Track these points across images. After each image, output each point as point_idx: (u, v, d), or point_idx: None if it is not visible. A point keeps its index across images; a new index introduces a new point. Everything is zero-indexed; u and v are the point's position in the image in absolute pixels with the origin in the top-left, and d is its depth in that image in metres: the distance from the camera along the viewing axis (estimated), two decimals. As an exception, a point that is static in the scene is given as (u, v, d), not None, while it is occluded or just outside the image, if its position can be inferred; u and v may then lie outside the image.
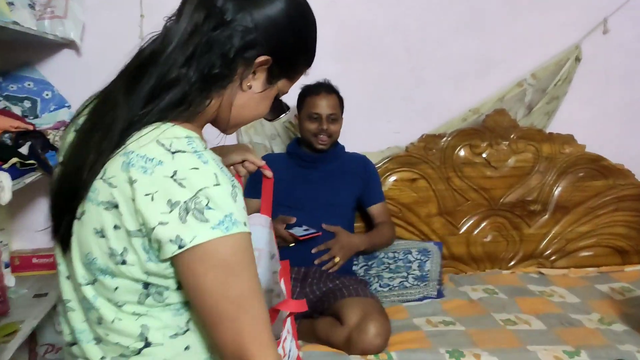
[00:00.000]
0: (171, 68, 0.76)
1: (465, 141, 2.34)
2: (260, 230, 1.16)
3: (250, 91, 0.83)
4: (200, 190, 0.69)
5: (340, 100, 2.14)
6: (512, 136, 2.34)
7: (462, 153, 2.34)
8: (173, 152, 0.71)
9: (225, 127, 0.87)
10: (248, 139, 2.38)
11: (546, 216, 2.39)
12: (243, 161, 1.12)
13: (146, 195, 0.69)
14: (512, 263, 2.39)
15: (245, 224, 0.72)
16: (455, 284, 2.19)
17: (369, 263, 2.18)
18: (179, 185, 0.69)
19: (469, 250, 2.37)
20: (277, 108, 0.93)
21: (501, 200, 2.37)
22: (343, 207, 2.10)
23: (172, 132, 0.74)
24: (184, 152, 0.71)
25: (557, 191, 2.38)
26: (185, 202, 0.68)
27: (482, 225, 2.37)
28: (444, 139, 2.33)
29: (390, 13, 2.38)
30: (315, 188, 2.09)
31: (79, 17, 2.15)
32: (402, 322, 1.83)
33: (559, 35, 2.45)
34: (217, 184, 0.70)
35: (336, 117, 2.09)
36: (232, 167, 1.12)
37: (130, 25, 2.23)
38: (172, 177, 0.69)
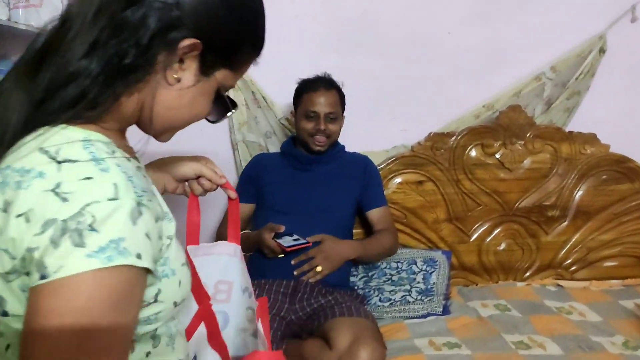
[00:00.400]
0: (70, 60, 0.60)
1: (476, 140, 2.15)
2: (228, 260, 1.00)
3: (178, 85, 0.67)
4: (87, 205, 0.54)
5: (341, 97, 1.95)
6: (528, 135, 2.15)
7: (473, 153, 2.15)
8: (60, 162, 0.57)
9: (150, 130, 0.71)
10: (241, 137, 2.22)
11: (565, 223, 2.19)
12: (198, 177, 0.95)
13: (18, 216, 0.55)
14: (528, 274, 2.20)
15: (139, 257, 0.55)
16: (464, 297, 2.01)
17: (370, 274, 2.01)
18: (60, 200, 0.54)
19: (480, 260, 2.19)
20: (221, 107, 0.77)
21: (516, 205, 2.18)
22: (340, 212, 1.92)
23: (64, 135, 0.60)
24: (75, 161, 0.57)
25: (577, 195, 2.19)
26: (64, 220, 0.53)
27: (495, 232, 2.18)
28: (454, 137, 2.14)
29: (395, 1, 2.19)
30: (310, 192, 1.91)
31: (56, 4, 2.00)
32: (401, 342, 1.65)
33: (581, 24, 2.25)
34: (113, 198, 0.55)
35: (335, 116, 1.91)
36: (185, 183, 0.95)
37: None
38: (53, 190, 0.55)
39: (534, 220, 2.19)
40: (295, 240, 1.74)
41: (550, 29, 2.25)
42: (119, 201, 0.55)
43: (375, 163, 2.07)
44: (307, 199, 1.88)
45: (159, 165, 0.94)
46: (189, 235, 1.01)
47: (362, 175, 1.98)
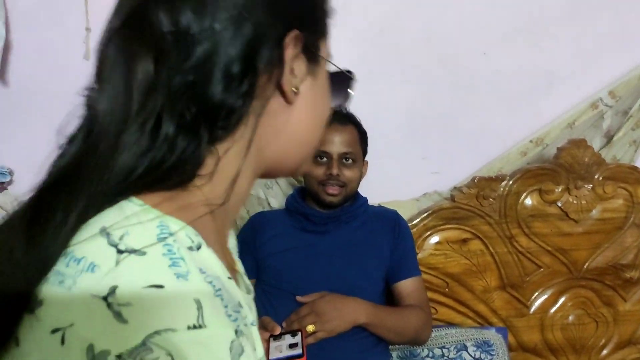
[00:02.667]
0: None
1: (532, 185, 1.72)
2: None
3: (300, 95, 0.51)
4: (156, 333, 0.36)
5: (362, 136, 1.50)
6: (596, 176, 1.73)
7: (529, 202, 1.72)
8: (121, 251, 0.38)
9: (282, 173, 0.57)
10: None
11: (648, 286, 1.77)
12: None
13: (53, 332, 0.36)
14: (605, 352, 1.77)
15: None
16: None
17: (409, 368, 1.53)
18: (114, 316, 0.36)
19: (544, 338, 1.75)
20: (337, 83, 0.59)
21: (585, 266, 1.75)
22: (368, 291, 1.43)
23: (134, 215, 0.42)
24: (140, 253, 0.39)
25: (661, 250, 1.77)
26: (120, 356, 0.35)
27: (561, 301, 1.75)
28: (504, 182, 1.71)
29: (423, 17, 1.81)
30: (327, 263, 1.43)
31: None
32: None
33: None
34: (200, 326, 0.37)
35: (354, 158, 1.45)
36: None
37: (71, 42, 1.71)
38: (105, 298, 0.36)
39: (609, 285, 1.76)
40: (291, 347, 1.23)
41: (606, 46, 1.90)
42: (208, 331, 0.37)
43: (404, 217, 1.60)
44: (323, 273, 1.40)
45: None
46: None
47: (392, 237, 1.51)
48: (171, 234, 0.41)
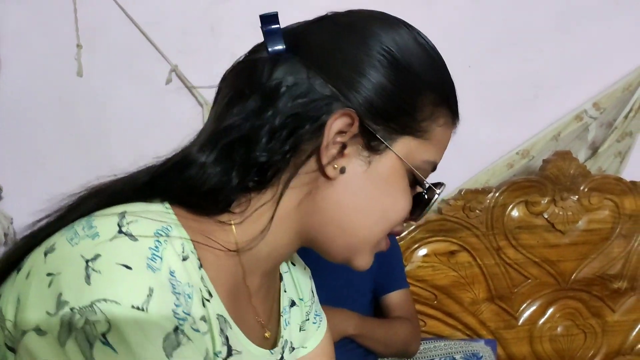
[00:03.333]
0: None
1: (519, 197, 1.73)
2: None
3: (343, 177, 0.52)
4: (103, 300, 0.41)
5: None
6: (582, 188, 1.73)
7: (515, 213, 1.73)
8: (122, 232, 0.45)
9: (329, 255, 0.56)
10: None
11: (635, 296, 1.77)
12: None
13: (48, 275, 0.44)
14: None
15: None
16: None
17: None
18: (84, 277, 0.42)
19: (533, 349, 1.75)
20: (420, 194, 0.58)
21: (573, 277, 1.75)
22: (358, 301, 1.43)
23: (157, 214, 0.48)
24: (134, 238, 0.45)
25: (648, 260, 1.77)
26: (72, 309, 0.41)
27: (549, 312, 1.75)
28: (490, 194, 1.72)
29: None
30: (315, 275, 1.43)
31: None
32: None
33: (627, 52, 1.91)
34: (141, 308, 0.42)
35: None
36: None
37: (63, 58, 1.71)
38: (88, 261, 0.43)
39: (597, 295, 1.76)
40: None
41: (591, 58, 1.90)
42: (147, 315, 0.42)
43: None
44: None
45: None
46: None
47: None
48: (168, 236, 0.46)
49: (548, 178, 1.73)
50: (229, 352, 0.51)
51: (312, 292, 0.75)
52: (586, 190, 1.74)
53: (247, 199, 0.52)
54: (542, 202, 1.72)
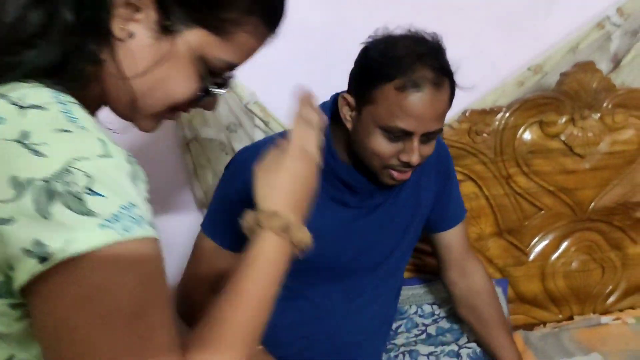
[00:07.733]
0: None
1: (532, 117, 1.52)
2: None
3: (132, 42, 0.56)
4: (75, 160, 0.45)
5: (453, 92, 1.10)
6: (605, 104, 1.53)
7: (528, 136, 1.53)
8: (23, 107, 0.48)
9: (117, 110, 0.62)
10: (192, 134, 1.56)
11: (661, 226, 1.61)
12: None
13: None
14: (612, 299, 1.63)
15: (153, 227, 0.48)
16: (535, 351, 1.38)
17: (394, 327, 1.36)
18: (32, 153, 0.45)
19: (544, 287, 1.60)
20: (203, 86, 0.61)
21: (591, 206, 1.58)
22: (405, 259, 1.25)
23: (32, 90, 0.51)
24: (42, 108, 0.49)
25: (677, 186, 1.61)
26: (45, 180, 0.44)
27: (564, 246, 1.59)
28: (499, 115, 1.52)
29: None
30: (367, 243, 1.15)
31: None
32: None
33: None
34: (106, 155, 0.48)
35: (439, 131, 1.07)
36: None
37: None
38: (18, 140, 0.45)
39: (617, 226, 1.59)
40: None
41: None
42: (114, 159, 0.48)
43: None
44: (358, 250, 1.15)
45: None
46: None
47: (440, 180, 1.24)
48: (65, 98, 0.51)
49: (567, 94, 1.51)
50: None
51: None
52: (610, 106, 1.53)
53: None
54: (559, 122, 1.51)
